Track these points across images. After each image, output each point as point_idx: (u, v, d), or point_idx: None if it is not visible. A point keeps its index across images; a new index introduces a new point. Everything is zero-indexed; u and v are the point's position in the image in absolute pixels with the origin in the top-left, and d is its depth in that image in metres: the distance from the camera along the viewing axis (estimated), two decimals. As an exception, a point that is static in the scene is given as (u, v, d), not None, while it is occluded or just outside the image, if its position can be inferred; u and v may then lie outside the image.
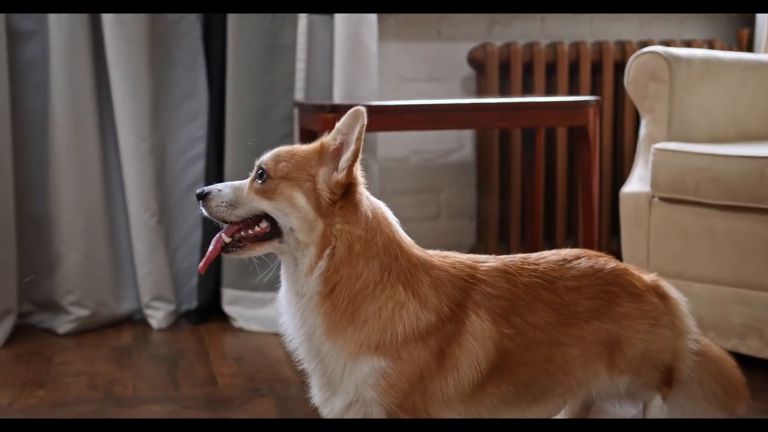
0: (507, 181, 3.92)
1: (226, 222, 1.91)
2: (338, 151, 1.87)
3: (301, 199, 1.85)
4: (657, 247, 3.04)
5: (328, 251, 1.85)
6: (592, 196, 3.23)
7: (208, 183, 3.58)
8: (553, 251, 2.21)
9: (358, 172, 1.90)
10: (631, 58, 3.18)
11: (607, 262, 2.20)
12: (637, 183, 3.13)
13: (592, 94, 3.92)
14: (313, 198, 1.85)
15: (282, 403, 2.66)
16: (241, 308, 3.50)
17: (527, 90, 3.87)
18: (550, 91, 3.90)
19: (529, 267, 2.09)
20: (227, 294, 3.53)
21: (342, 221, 1.86)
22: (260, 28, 3.43)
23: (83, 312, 3.38)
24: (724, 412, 2.37)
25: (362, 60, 3.47)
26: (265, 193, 1.87)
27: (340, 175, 1.86)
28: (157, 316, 3.46)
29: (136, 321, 3.53)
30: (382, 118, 2.96)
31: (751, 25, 4.17)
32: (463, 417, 1.98)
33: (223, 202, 1.88)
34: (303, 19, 3.44)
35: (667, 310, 2.22)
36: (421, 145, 3.99)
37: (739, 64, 3.30)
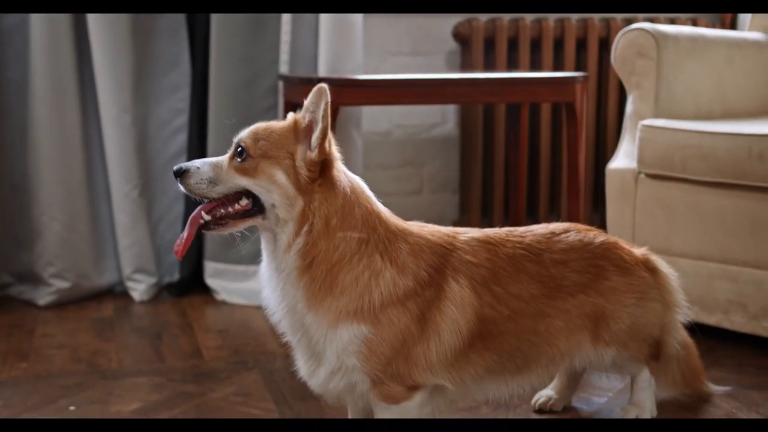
0: (490, 155, 3.91)
1: (206, 198, 1.90)
2: (309, 129, 1.89)
3: (281, 177, 1.86)
4: (643, 223, 3.04)
5: (306, 227, 1.87)
6: (579, 171, 3.23)
7: (191, 155, 3.54)
8: (542, 225, 2.22)
9: (333, 148, 1.92)
10: (619, 34, 3.17)
11: (597, 236, 2.21)
12: (623, 159, 3.13)
13: (576, 70, 3.91)
14: (292, 175, 1.87)
15: (268, 375, 2.65)
16: (223, 281, 3.48)
17: (512, 65, 3.86)
18: (535, 66, 3.89)
19: (514, 239, 2.11)
20: (209, 267, 3.51)
21: (320, 198, 1.88)
22: None
23: (64, 284, 3.34)
24: (676, 395, 2.41)
25: (347, 33, 3.44)
26: (246, 171, 1.88)
27: (313, 154, 1.87)
28: (139, 289, 3.42)
29: (117, 293, 3.50)
30: (371, 93, 2.95)
31: (735, 3, 4.18)
32: (448, 383, 1.99)
33: (202, 179, 1.88)
34: (288, -10, 3.40)
35: (657, 284, 2.24)
36: (404, 119, 3.97)
37: (725, 42, 3.30)
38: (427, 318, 1.93)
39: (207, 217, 1.90)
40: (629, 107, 3.18)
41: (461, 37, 3.82)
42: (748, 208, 2.80)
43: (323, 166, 1.88)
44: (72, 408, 2.38)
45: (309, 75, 3.25)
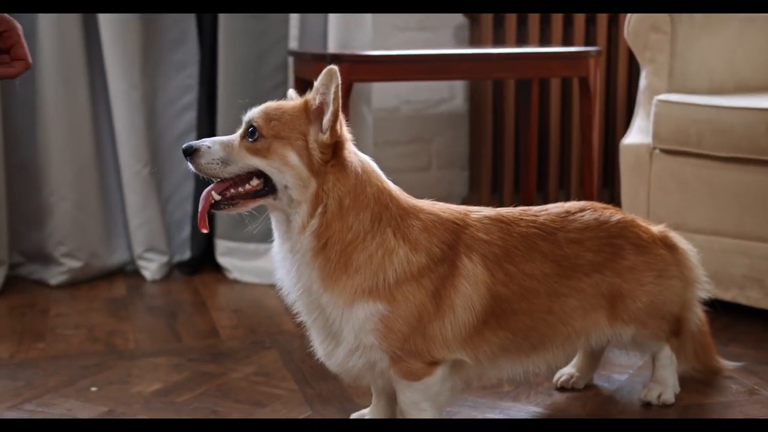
0: (500, 130, 3.90)
1: (217, 178, 1.88)
2: (320, 111, 1.87)
3: (294, 158, 1.85)
4: (657, 199, 3.04)
5: (320, 209, 1.86)
6: (592, 147, 3.22)
7: (200, 133, 3.52)
8: (558, 204, 2.21)
9: (344, 130, 1.91)
10: (632, 8, 3.16)
11: (613, 214, 2.20)
12: (637, 134, 3.12)
13: (586, 44, 3.89)
14: (305, 157, 1.85)
15: (287, 355, 2.64)
16: (235, 259, 3.47)
17: (521, 40, 3.84)
18: (544, 41, 3.87)
19: (528, 218, 2.10)
20: (221, 245, 3.49)
21: (333, 179, 1.87)
22: (254, -26, 3.35)
23: (75, 263, 3.32)
24: (688, 371, 2.41)
25: (357, 8, 3.41)
26: (258, 151, 1.86)
27: (325, 136, 1.86)
28: (151, 268, 3.41)
29: (128, 272, 3.49)
30: (385, 69, 2.92)
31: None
32: (465, 359, 1.98)
33: (214, 159, 1.86)
34: (298, -35, 3.37)
35: (676, 261, 2.23)
36: (411, 95, 3.95)
37: (738, 16, 3.28)
38: (442, 294, 1.93)
39: (217, 197, 1.88)
40: (643, 82, 3.16)
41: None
42: (764, 183, 2.79)
43: (335, 147, 1.87)
44: (94, 389, 2.38)
45: (320, 51, 3.22)
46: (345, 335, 1.92)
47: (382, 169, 1.99)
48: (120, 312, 3.04)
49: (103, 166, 3.43)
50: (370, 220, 1.88)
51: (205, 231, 1.91)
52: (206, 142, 1.88)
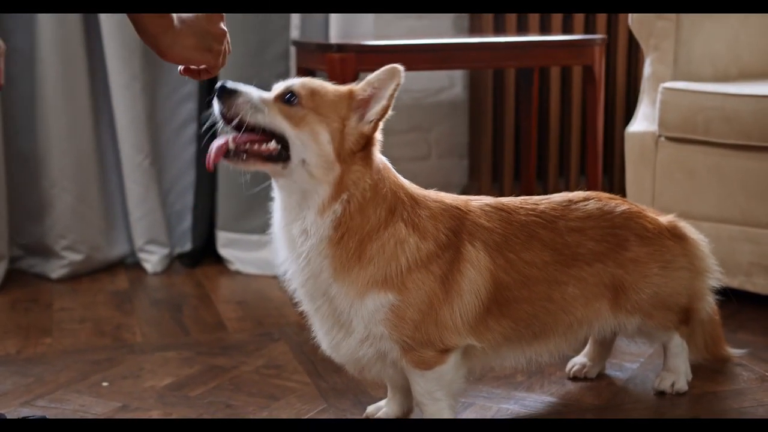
0: (500, 119, 3.89)
1: (240, 125, 1.82)
2: (365, 102, 1.86)
3: (325, 137, 1.83)
4: (663, 187, 3.04)
5: (345, 196, 1.85)
6: (597, 135, 3.21)
7: (201, 123, 3.48)
8: (563, 194, 2.20)
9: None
10: (636, -5, 3.14)
11: (619, 204, 2.19)
12: (642, 122, 3.11)
13: (585, 32, 3.88)
14: (337, 140, 1.84)
15: (296, 347, 2.63)
16: (236, 251, 3.44)
17: (521, 28, 3.82)
18: (544, 28, 3.85)
19: (528, 206, 2.10)
20: (222, 237, 3.47)
21: (361, 170, 1.86)
22: (255, -37, 3.32)
23: (76, 256, 3.29)
24: (697, 360, 2.40)
25: (359, -4, 3.39)
26: (291, 117, 1.83)
27: (366, 127, 1.86)
28: (152, 260, 3.38)
29: (128, 265, 3.46)
30: (392, 58, 2.85)
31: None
32: (475, 344, 1.98)
33: (249, 101, 1.82)
34: (299, -47, 3.34)
35: (685, 251, 2.23)
36: (410, 83, 3.89)
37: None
38: (450, 280, 1.93)
39: (232, 146, 1.83)
40: (647, 69, 3.15)
41: (470, 0, 3.77)
42: (772, 171, 2.80)
43: (367, 141, 1.87)
44: (105, 384, 2.36)
45: (322, 41, 3.19)
46: (355, 325, 1.90)
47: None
48: (124, 305, 3.01)
49: (104, 158, 3.39)
50: (386, 213, 1.88)
51: (209, 169, 1.86)
52: (244, 86, 1.85)
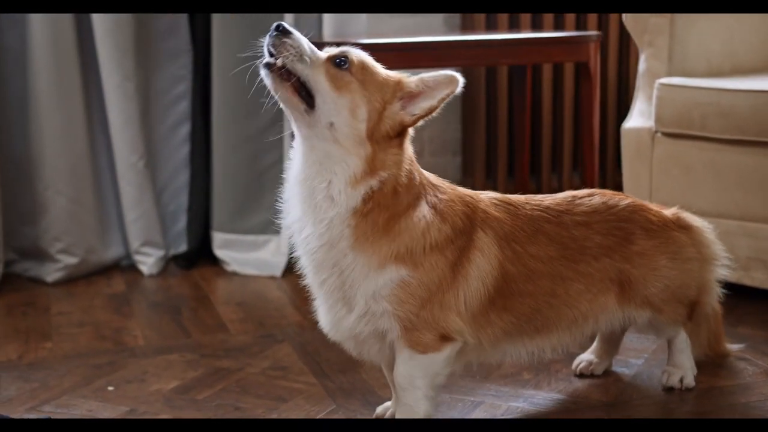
0: (493, 115, 3.89)
1: (279, 67, 1.80)
2: (413, 96, 1.88)
3: (362, 113, 1.83)
4: (660, 183, 3.05)
5: (384, 174, 1.85)
6: (593, 131, 3.22)
7: (195, 122, 3.47)
8: (567, 192, 2.21)
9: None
10: (630, -9, 3.15)
11: (622, 199, 2.20)
12: (638, 118, 3.12)
13: (577, 28, 3.89)
14: (373, 120, 1.84)
15: (300, 348, 2.62)
16: (233, 252, 3.43)
17: (513, 25, 3.82)
18: (535, 25, 3.86)
19: (533, 201, 2.12)
20: (218, 238, 3.45)
21: (397, 152, 1.87)
22: (247, -38, 3.30)
23: (72, 259, 3.27)
24: (699, 357, 2.40)
25: (352, -6, 3.37)
26: (335, 79, 1.83)
27: (407, 118, 1.87)
28: (148, 262, 3.36)
29: (123, 267, 3.43)
30: (392, 57, 2.86)
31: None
32: (469, 339, 1.97)
33: (298, 47, 1.81)
34: (292, -49, 3.32)
35: (692, 241, 2.23)
36: (402, 81, 3.91)
37: (734, -2, 3.29)
38: (459, 265, 1.94)
39: (279, 62, 1.80)
40: (642, 66, 3.16)
41: (462, -3, 3.77)
42: (769, 165, 2.81)
43: (402, 131, 1.89)
44: (111, 388, 2.34)
45: (319, 40, 3.17)
46: (359, 299, 1.89)
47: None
48: (123, 308, 2.99)
49: (97, 160, 3.37)
50: (414, 197, 1.89)
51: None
52: (300, 35, 1.83)
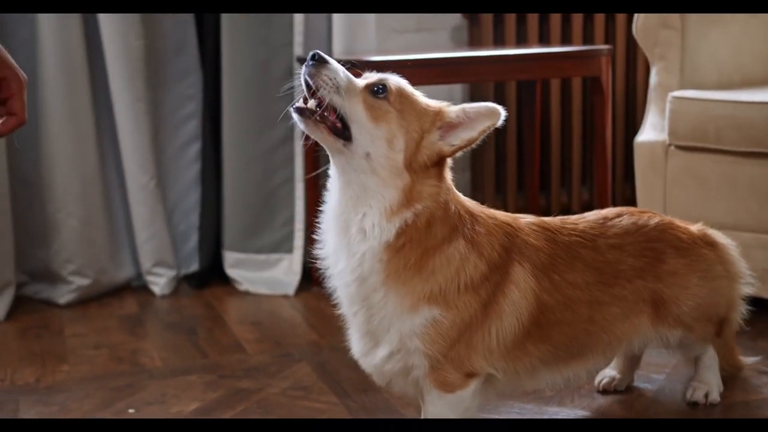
0: (502, 131, 3.88)
1: (314, 96, 1.79)
2: (452, 126, 1.85)
3: (399, 143, 1.80)
4: (674, 195, 3.04)
5: (419, 207, 1.81)
6: (606, 145, 3.22)
7: (205, 142, 3.46)
8: (593, 212, 2.19)
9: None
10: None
11: (651, 217, 2.18)
12: (651, 132, 3.12)
13: (583, 42, 3.89)
14: (410, 150, 1.80)
15: (319, 367, 2.60)
16: (245, 271, 3.41)
17: (520, 40, 3.82)
18: (542, 40, 3.86)
19: (569, 226, 2.08)
20: (229, 257, 3.43)
21: (435, 185, 1.84)
22: (257, -20, 3.30)
23: (84, 281, 3.24)
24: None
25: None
26: (372, 108, 1.79)
27: (446, 149, 1.84)
28: (160, 283, 3.34)
29: (134, 288, 3.41)
30: (406, 73, 2.87)
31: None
32: (500, 373, 1.96)
33: (333, 78, 1.78)
34: (301, -31, 3.32)
35: (719, 258, 2.22)
36: (410, 97, 3.91)
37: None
38: (492, 302, 1.90)
39: (311, 104, 1.79)
40: (653, 79, 3.16)
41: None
42: (785, 177, 2.81)
43: (440, 160, 1.85)
44: (131, 411, 2.32)
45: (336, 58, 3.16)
46: (390, 336, 1.87)
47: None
48: (137, 330, 2.97)
49: (108, 180, 3.35)
50: (449, 230, 1.85)
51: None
52: (337, 64, 1.81)
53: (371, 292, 1.85)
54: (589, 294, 2.02)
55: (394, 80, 1.85)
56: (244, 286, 3.38)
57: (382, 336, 1.89)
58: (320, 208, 1.93)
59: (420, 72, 2.90)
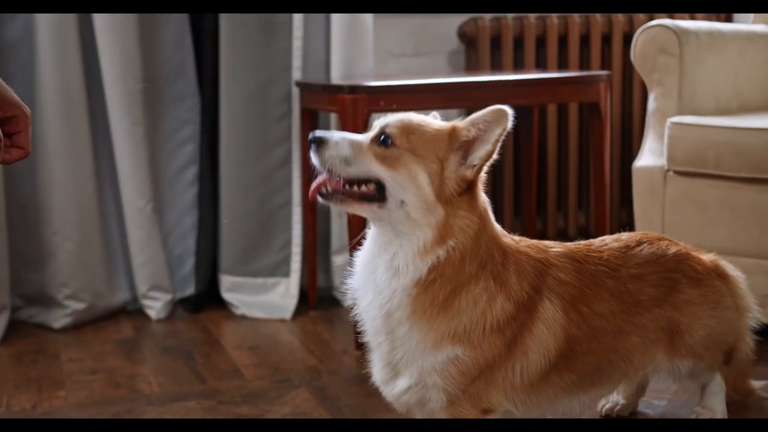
0: (499, 155, 3.88)
1: (335, 176, 1.78)
2: (469, 144, 1.79)
3: (423, 179, 1.76)
4: (672, 220, 3.04)
5: (452, 243, 1.78)
6: (604, 170, 3.22)
7: (203, 165, 3.45)
8: (614, 236, 2.18)
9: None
10: (638, 31, 3.16)
11: (668, 246, 2.17)
12: (649, 157, 3.12)
13: (580, 67, 3.90)
14: (436, 182, 1.77)
15: (319, 392, 2.58)
16: (241, 295, 3.39)
17: (517, 65, 3.83)
18: (540, 65, 3.87)
19: (594, 255, 2.06)
20: (225, 280, 3.41)
21: (467, 216, 1.80)
22: (256, 4, 3.30)
23: (79, 305, 3.22)
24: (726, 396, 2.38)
25: (359, 36, 3.38)
26: (386, 160, 1.77)
27: (468, 171, 1.78)
28: (156, 307, 3.32)
29: (130, 312, 3.39)
30: (403, 98, 2.87)
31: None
32: (521, 407, 1.94)
33: (339, 154, 1.77)
34: (300, -6, 3.32)
35: (730, 291, 2.22)
36: (407, 121, 3.91)
37: (738, 36, 3.31)
38: (518, 341, 1.88)
39: (329, 188, 1.79)
40: (651, 104, 3.17)
41: (467, 37, 3.78)
42: (785, 203, 2.81)
43: (470, 183, 1.81)
44: (130, 438, 2.29)
45: (328, 82, 3.17)
46: (411, 371, 1.85)
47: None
48: (134, 354, 2.94)
49: (105, 204, 3.33)
50: (477, 266, 1.82)
51: (311, 199, 1.82)
52: (335, 135, 1.79)
53: (396, 325, 1.84)
54: (613, 324, 2.01)
55: (395, 121, 1.80)
56: (240, 310, 3.36)
57: (404, 369, 1.87)
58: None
59: (418, 97, 2.89)
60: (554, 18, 3.84)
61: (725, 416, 2.29)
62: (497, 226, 1.90)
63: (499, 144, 1.78)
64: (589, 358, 1.99)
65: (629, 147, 4.04)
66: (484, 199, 1.87)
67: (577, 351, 1.97)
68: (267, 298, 3.37)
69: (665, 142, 3.02)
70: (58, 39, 3.11)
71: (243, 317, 3.33)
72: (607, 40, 3.95)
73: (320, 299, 3.39)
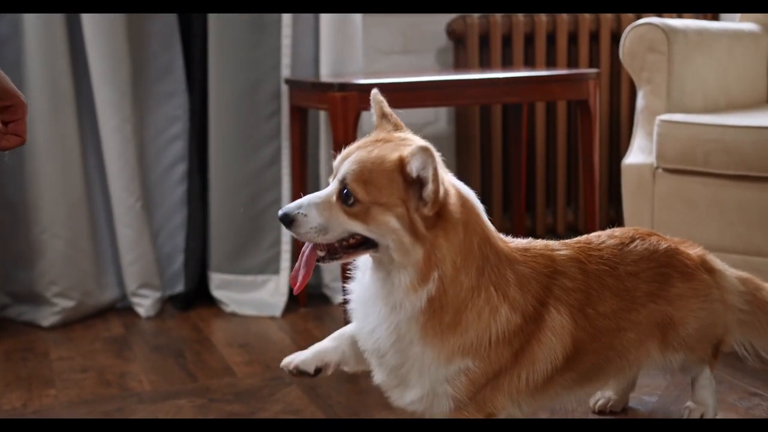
0: (487, 153, 3.89)
1: (326, 255, 1.82)
2: (418, 180, 1.74)
3: (395, 223, 1.76)
4: (662, 218, 3.06)
5: (435, 275, 1.79)
6: (593, 168, 3.23)
7: (191, 163, 3.44)
8: (608, 232, 2.19)
9: (448, 188, 1.79)
10: (627, 29, 3.18)
11: (659, 241, 2.19)
12: (638, 154, 3.13)
13: (568, 65, 3.91)
14: (406, 222, 1.76)
15: (311, 391, 2.58)
16: (231, 292, 3.38)
17: (506, 63, 3.84)
18: (528, 63, 3.88)
19: (595, 254, 2.07)
20: (215, 278, 3.41)
21: (444, 243, 1.79)
22: (245, 2, 3.29)
23: (68, 303, 3.21)
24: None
25: (348, 34, 3.38)
26: (357, 215, 1.76)
27: (426, 209, 1.75)
28: (145, 304, 3.31)
29: (119, 309, 3.38)
30: (396, 96, 2.86)
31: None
32: (525, 409, 1.96)
33: (312, 227, 1.77)
34: (288, -8, 3.32)
35: (717, 284, 2.24)
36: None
37: (726, 34, 3.34)
38: (525, 350, 1.90)
39: (321, 253, 1.82)
40: (640, 102, 3.19)
41: (456, 35, 3.79)
42: (773, 200, 2.83)
43: (438, 212, 1.78)
44: (123, 437, 2.28)
45: (318, 80, 3.16)
46: (420, 382, 1.87)
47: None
48: (124, 352, 2.94)
49: (94, 202, 3.32)
50: (476, 273, 1.83)
51: (296, 293, 1.87)
52: (302, 207, 1.77)
53: (407, 345, 1.85)
54: (614, 322, 2.03)
55: (349, 174, 1.76)
56: (230, 308, 3.36)
57: (413, 380, 1.88)
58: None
59: (406, 95, 2.90)
60: (542, 16, 3.85)
61: (716, 410, 2.31)
62: (489, 226, 1.89)
63: (438, 180, 1.73)
64: (591, 357, 2.02)
65: (617, 145, 4.06)
66: (464, 196, 1.84)
67: (581, 351, 1.99)
68: (257, 296, 3.36)
69: (654, 140, 3.03)
70: (45, 36, 3.10)
71: (233, 315, 3.33)
72: (595, 37, 3.96)
73: (310, 296, 3.39)
